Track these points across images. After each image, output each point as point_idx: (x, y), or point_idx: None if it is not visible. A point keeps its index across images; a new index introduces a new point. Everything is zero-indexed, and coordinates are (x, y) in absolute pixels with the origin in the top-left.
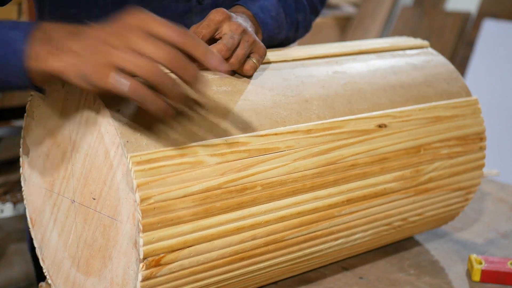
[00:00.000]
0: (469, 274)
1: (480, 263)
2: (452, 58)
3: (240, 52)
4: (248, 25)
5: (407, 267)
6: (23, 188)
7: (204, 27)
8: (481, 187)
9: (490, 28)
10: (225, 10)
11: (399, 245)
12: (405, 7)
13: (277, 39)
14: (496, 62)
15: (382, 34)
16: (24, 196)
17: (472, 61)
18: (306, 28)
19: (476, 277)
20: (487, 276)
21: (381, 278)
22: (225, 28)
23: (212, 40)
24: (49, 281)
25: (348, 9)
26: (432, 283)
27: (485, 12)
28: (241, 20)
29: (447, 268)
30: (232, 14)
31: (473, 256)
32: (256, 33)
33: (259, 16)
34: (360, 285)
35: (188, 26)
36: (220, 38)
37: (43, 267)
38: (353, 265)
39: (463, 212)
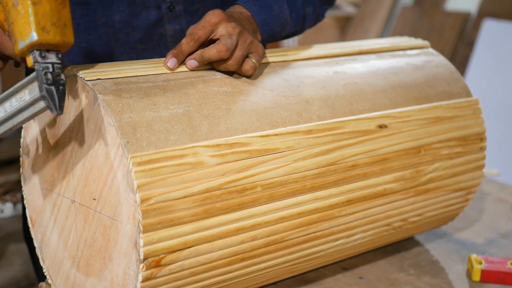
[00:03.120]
0: (469, 274)
1: (480, 263)
2: (452, 58)
3: (238, 53)
4: (245, 26)
5: (407, 267)
6: (23, 188)
7: (200, 28)
8: (481, 187)
9: (490, 28)
10: (221, 11)
11: (399, 245)
12: (405, 7)
13: (280, 36)
14: (496, 62)
15: (382, 34)
16: (24, 196)
17: (472, 61)
18: (317, 18)
19: (476, 277)
20: (487, 276)
21: (381, 278)
22: (222, 30)
23: (209, 42)
24: (49, 281)
25: (348, 9)
26: (432, 283)
27: (485, 12)
28: (238, 21)
29: (447, 268)
30: (229, 15)
31: (473, 256)
32: (255, 33)
33: (258, 16)
34: (360, 285)
35: (160, 34)
36: (217, 39)
37: (43, 267)
38: (353, 265)
39: (463, 212)
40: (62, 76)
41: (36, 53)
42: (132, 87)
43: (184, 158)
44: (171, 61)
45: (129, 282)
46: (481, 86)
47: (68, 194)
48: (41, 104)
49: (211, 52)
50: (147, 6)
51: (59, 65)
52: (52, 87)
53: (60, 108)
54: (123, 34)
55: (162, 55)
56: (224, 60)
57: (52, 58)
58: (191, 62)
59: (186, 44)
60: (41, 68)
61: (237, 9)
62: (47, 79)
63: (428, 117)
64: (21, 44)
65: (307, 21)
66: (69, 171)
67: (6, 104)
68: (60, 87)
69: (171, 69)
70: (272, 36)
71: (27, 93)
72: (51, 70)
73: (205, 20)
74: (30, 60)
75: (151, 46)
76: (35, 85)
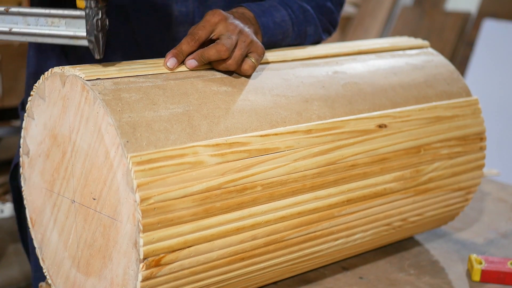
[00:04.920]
0: (469, 274)
1: (480, 263)
2: (452, 58)
3: (237, 52)
4: (246, 25)
5: (407, 267)
6: (23, 188)
7: (200, 28)
8: (481, 187)
9: (490, 28)
10: (221, 11)
11: (399, 245)
12: (405, 7)
13: (281, 45)
14: (496, 62)
15: (382, 34)
16: (24, 196)
17: (472, 61)
18: (318, 44)
19: (476, 277)
20: (487, 276)
21: (381, 278)
22: (221, 29)
23: (209, 42)
24: (49, 281)
25: (348, 9)
26: (432, 283)
27: (485, 12)
28: (239, 21)
29: (447, 268)
30: (229, 15)
31: (473, 256)
32: (256, 34)
33: (260, 18)
34: (360, 285)
35: (166, 12)
36: (217, 39)
37: (43, 267)
38: (353, 265)
39: (463, 212)
40: (107, 21)
41: (92, 1)
42: (132, 87)
43: (184, 157)
44: (170, 61)
45: (129, 282)
46: (481, 86)
47: (68, 194)
48: (84, 42)
49: (211, 52)
50: None
51: (106, 8)
52: (100, 34)
53: (102, 53)
54: (129, 2)
55: (162, 33)
56: (224, 60)
57: (102, 1)
58: (191, 61)
59: (186, 43)
60: (94, 15)
61: (240, 10)
62: (97, 26)
63: (428, 116)
64: None
65: (308, 41)
66: (69, 171)
67: (31, 19)
68: (105, 32)
69: (171, 69)
70: (273, 42)
71: (64, 24)
72: (100, 16)
73: (205, 20)
74: (82, 4)
75: (155, 21)
76: (77, 22)
